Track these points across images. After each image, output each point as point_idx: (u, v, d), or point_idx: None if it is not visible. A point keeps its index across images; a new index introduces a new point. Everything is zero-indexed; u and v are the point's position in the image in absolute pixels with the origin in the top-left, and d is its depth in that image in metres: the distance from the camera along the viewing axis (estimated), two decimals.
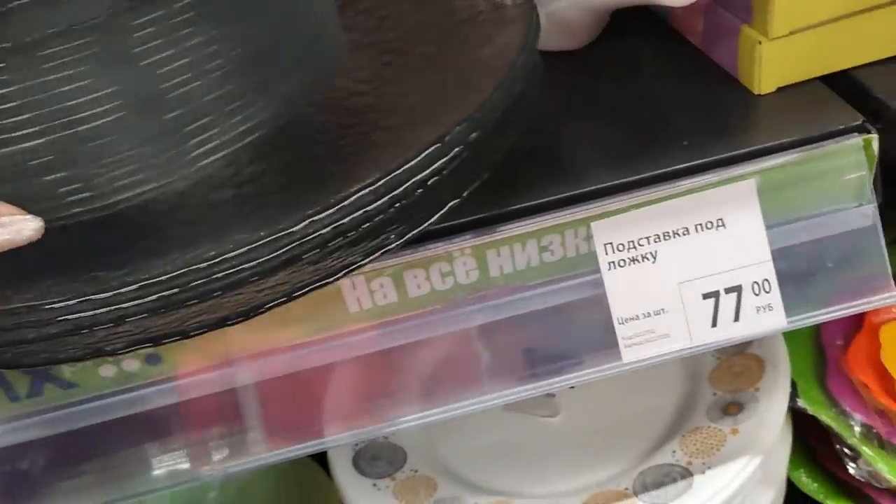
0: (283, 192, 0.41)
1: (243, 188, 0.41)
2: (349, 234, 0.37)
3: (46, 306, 0.35)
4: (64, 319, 0.35)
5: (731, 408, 0.57)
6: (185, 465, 0.50)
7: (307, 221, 0.36)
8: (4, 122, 0.38)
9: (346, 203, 0.37)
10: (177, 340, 0.37)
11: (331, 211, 0.36)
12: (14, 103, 0.38)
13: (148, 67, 0.39)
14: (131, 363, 0.45)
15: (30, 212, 0.38)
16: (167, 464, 0.49)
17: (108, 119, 0.39)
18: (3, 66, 0.37)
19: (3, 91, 0.37)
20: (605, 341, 0.47)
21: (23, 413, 0.46)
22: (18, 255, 0.38)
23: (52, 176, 0.39)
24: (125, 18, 0.38)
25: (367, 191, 0.37)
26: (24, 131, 0.38)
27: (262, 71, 0.42)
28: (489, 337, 0.50)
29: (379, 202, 0.37)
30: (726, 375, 0.59)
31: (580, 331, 0.49)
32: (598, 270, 0.46)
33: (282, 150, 0.43)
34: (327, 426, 0.50)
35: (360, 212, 0.37)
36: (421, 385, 0.51)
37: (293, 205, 0.38)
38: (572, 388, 0.62)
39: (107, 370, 0.45)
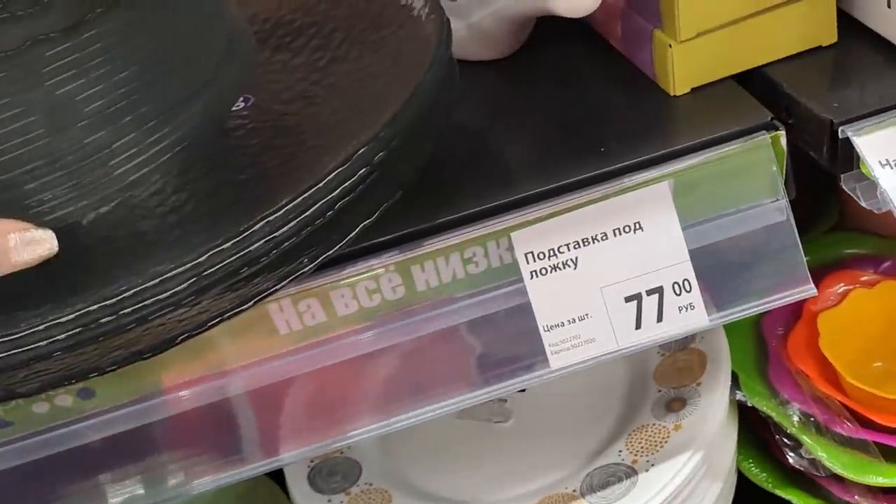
0: (205, 220, 0.41)
1: (167, 218, 0.41)
2: (261, 261, 0.38)
3: None
4: None
5: (675, 404, 0.58)
6: (140, 491, 0.50)
7: (211, 253, 0.36)
8: None
9: (253, 230, 0.37)
10: (93, 377, 0.37)
11: (236, 240, 0.37)
12: None
13: (60, 95, 0.39)
14: (64, 398, 0.45)
15: None
16: (120, 492, 0.50)
17: (33, 145, 0.39)
18: None
19: None
20: (537, 348, 0.48)
21: None
22: None
23: None
24: (38, 51, 0.39)
25: (273, 217, 0.37)
26: None
27: (171, 93, 0.42)
28: (428, 349, 0.50)
29: (287, 227, 0.38)
30: (670, 372, 0.60)
31: (515, 338, 0.50)
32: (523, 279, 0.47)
33: (209, 174, 0.43)
34: (279, 444, 0.51)
35: (268, 238, 0.37)
36: (369, 399, 0.52)
37: (211, 233, 0.38)
38: (523, 391, 0.63)
39: (40, 407, 0.45)
